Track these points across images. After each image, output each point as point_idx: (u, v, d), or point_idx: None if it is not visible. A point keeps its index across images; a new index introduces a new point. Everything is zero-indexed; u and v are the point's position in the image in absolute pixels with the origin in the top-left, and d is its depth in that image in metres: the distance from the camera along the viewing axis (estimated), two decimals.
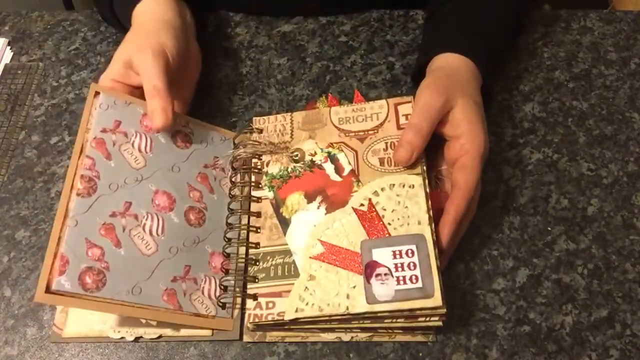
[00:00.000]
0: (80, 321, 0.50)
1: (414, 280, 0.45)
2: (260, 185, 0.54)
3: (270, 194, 0.53)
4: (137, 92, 0.53)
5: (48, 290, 0.43)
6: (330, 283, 0.47)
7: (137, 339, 0.49)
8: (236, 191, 0.54)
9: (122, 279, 0.46)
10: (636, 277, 0.51)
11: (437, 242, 0.46)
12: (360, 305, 0.45)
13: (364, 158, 0.52)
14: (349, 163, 0.53)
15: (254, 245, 0.51)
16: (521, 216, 0.55)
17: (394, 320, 0.45)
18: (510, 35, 0.63)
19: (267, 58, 0.67)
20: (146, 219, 0.49)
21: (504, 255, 0.53)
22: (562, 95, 0.62)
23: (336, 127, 0.55)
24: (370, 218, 0.49)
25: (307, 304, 0.46)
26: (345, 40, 0.68)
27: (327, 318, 0.46)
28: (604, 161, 0.58)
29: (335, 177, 0.52)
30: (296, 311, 0.46)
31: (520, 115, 0.61)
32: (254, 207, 0.53)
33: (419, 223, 0.47)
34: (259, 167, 0.55)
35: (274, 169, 0.54)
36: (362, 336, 0.49)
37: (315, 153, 0.54)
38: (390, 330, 0.48)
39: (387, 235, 0.47)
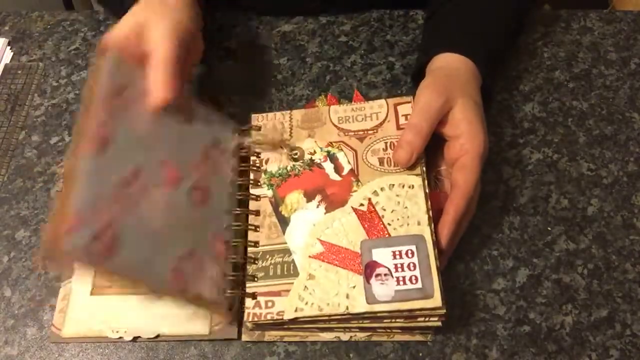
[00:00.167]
0: (79, 321, 0.50)
1: (414, 281, 0.45)
2: (259, 183, 0.54)
3: (270, 192, 0.53)
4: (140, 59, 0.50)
5: (55, 248, 0.40)
6: (329, 282, 0.46)
7: (135, 339, 0.49)
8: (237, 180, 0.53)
9: (132, 249, 0.44)
10: (636, 277, 0.51)
11: (436, 243, 0.46)
12: (360, 305, 0.45)
13: (364, 158, 0.52)
14: (349, 162, 0.52)
15: (252, 244, 0.51)
16: (521, 216, 0.55)
17: (394, 320, 0.45)
18: (510, 35, 0.63)
19: (267, 58, 0.67)
20: (154, 189, 0.47)
21: (504, 255, 0.53)
22: (562, 95, 0.62)
23: (336, 126, 0.55)
24: (370, 218, 0.49)
25: (306, 303, 0.46)
26: (345, 40, 0.68)
27: (326, 318, 0.46)
28: (604, 161, 0.58)
29: (334, 177, 0.52)
30: (295, 310, 0.46)
31: (520, 115, 0.61)
32: (253, 205, 0.53)
33: (419, 223, 0.47)
34: (257, 164, 0.55)
35: (272, 167, 0.54)
36: (361, 336, 0.49)
37: (315, 152, 0.54)
38: (388, 330, 0.48)
39: (386, 235, 0.47)
